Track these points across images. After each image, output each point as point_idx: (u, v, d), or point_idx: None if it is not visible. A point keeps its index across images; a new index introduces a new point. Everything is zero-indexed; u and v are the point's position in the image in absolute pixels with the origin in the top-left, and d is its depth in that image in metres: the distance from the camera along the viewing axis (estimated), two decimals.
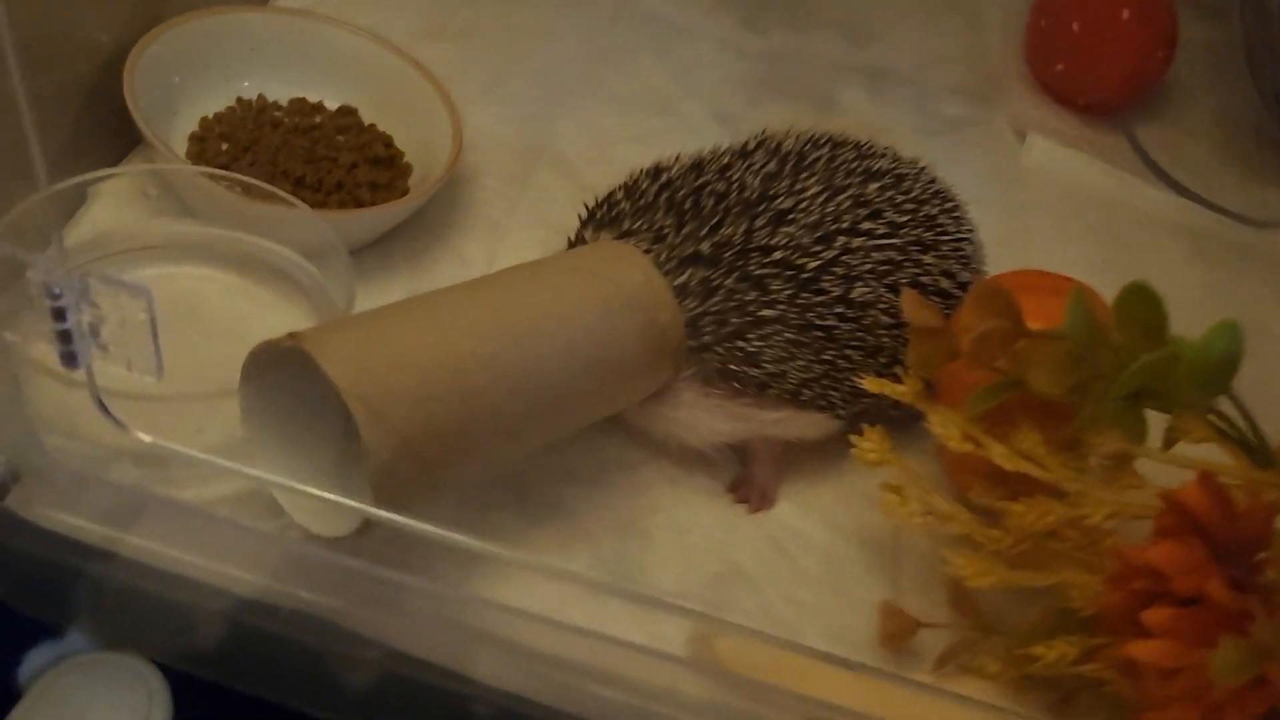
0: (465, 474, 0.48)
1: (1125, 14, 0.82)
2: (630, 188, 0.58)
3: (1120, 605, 0.45)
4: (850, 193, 0.56)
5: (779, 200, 0.55)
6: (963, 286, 0.59)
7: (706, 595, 0.53)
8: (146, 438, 0.43)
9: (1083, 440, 0.50)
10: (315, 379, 0.46)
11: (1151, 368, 0.45)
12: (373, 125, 0.68)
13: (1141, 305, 0.46)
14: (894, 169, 0.59)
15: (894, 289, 0.56)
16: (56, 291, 0.37)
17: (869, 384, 0.53)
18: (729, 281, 0.54)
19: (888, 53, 0.90)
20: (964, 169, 0.76)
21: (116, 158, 0.64)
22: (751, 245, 0.54)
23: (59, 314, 0.38)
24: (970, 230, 0.60)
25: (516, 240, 0.68)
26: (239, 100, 0.67)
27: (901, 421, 0.59)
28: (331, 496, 0.43)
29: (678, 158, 0.58)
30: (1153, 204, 0.81)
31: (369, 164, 0.65)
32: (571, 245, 0.58)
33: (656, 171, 0.58)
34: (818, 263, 0.54)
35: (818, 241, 0.55)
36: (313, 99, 0.68)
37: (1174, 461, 0.48)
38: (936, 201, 0.59)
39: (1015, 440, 0.50)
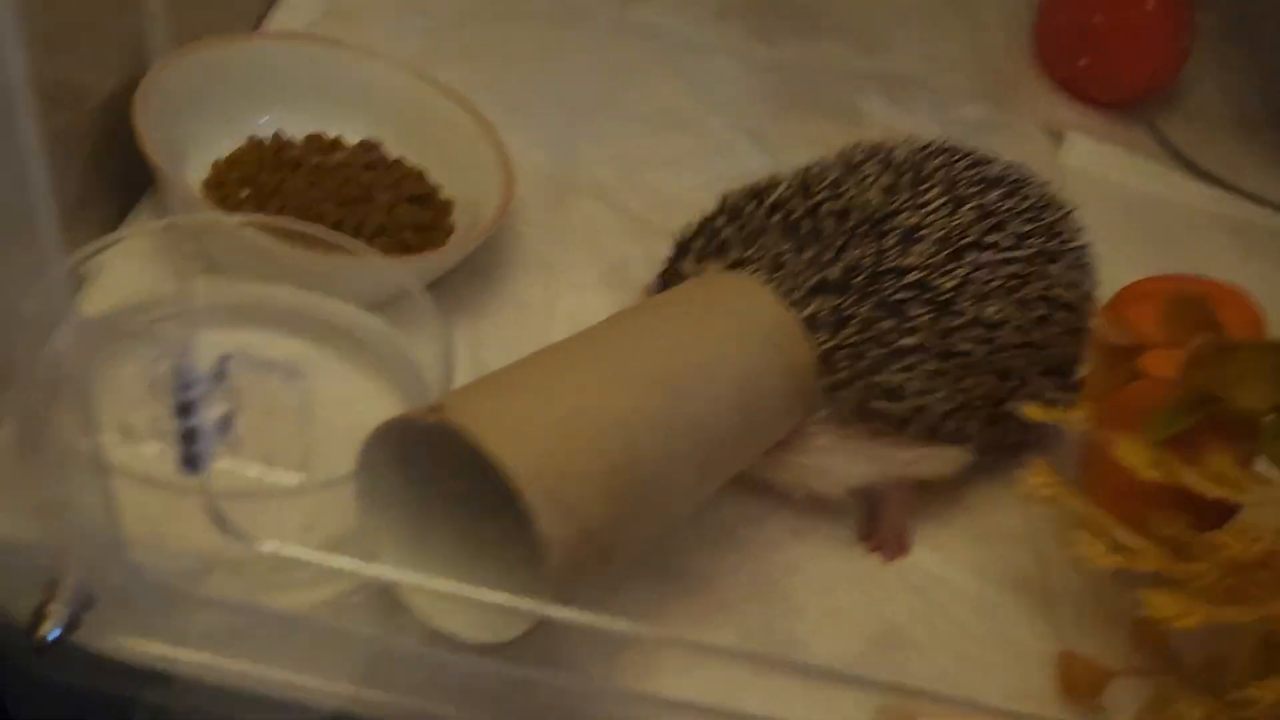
0: (629, 553, 0.42)
1: (1150, 4, 0.79)
2: (733, 212, 0.52)
3: None
4: (974, 203, 0.52)
5: (904, 215, 0.50)
6: (1086, 297, 0.55)
7: (871, 659, 0.48)
8: (271, 545, 0.36)
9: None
10: (447, 456, 0.39)
11: None
12: (399, 160, 0.61)
13: None
14: (1009, 175, 0.54)
15: (1023, 304, 0.51)
16: (191, 379, 0.30)
17: (1033, 413, 0.48)
18: (863, 310, 0.48)
19: (898, 59, 0.86)
20: None
21: (119, 214, 0.56)
22: (883, 267, 0.49)
23: (187, 408, 0.31)
24: (1085, 237, 0.56)
25: (574, 279, 0.61)
26: (251, 140, 0.59)
27: (1012, 450, 0.54)
28: (499, 597, 0.36)
29: (771, 178, 0.53)
30: (1194, 198, 0.79)
31: (408, 203, 0.59)
32: (665, 282, 0.52)
33: (759, 192, 0.52)
34: (955, 282, 0.49)
35: (949, 258, 0.50)
36: (330, 133, 0.61)
37: None
38: (1054, 208, 0.55)
39: (1204, 464, 0.46)
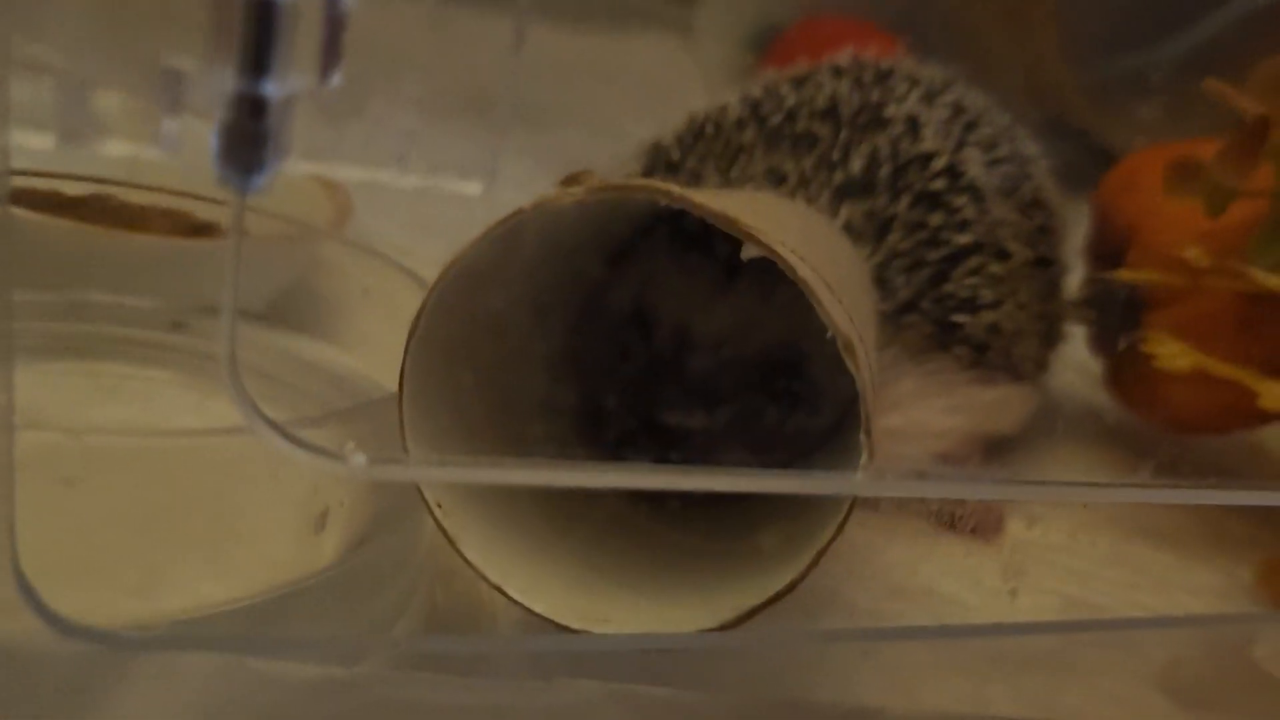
0: None
1: None
2: (686, 141, 0.41)
3: None
4: (944, 99, 0.44)
5: (891, 108, 0.41)
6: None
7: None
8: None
9: None
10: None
11: None
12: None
13: None
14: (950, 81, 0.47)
15: (1023, 211, 0.43)
16: None
17: (1128, 274, 0.40)
18: (902, 208, 0.38)
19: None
20: None
21: None
22: (904, 157, 0.39)
23: None
24: None
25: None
26: None
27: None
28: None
29: (716, 105, 0.43)
30: None
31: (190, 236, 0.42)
32: None
33: (707, 118, 0.41)
34: (978, 169, 0.41)
35: (958, 149, 0.41)
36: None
37: None
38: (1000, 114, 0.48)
39: None
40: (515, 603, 0.24)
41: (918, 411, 0.38)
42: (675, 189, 0.23)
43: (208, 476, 0.23)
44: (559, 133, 0.79)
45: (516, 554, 0.24)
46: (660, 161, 0.41)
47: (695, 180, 0.39)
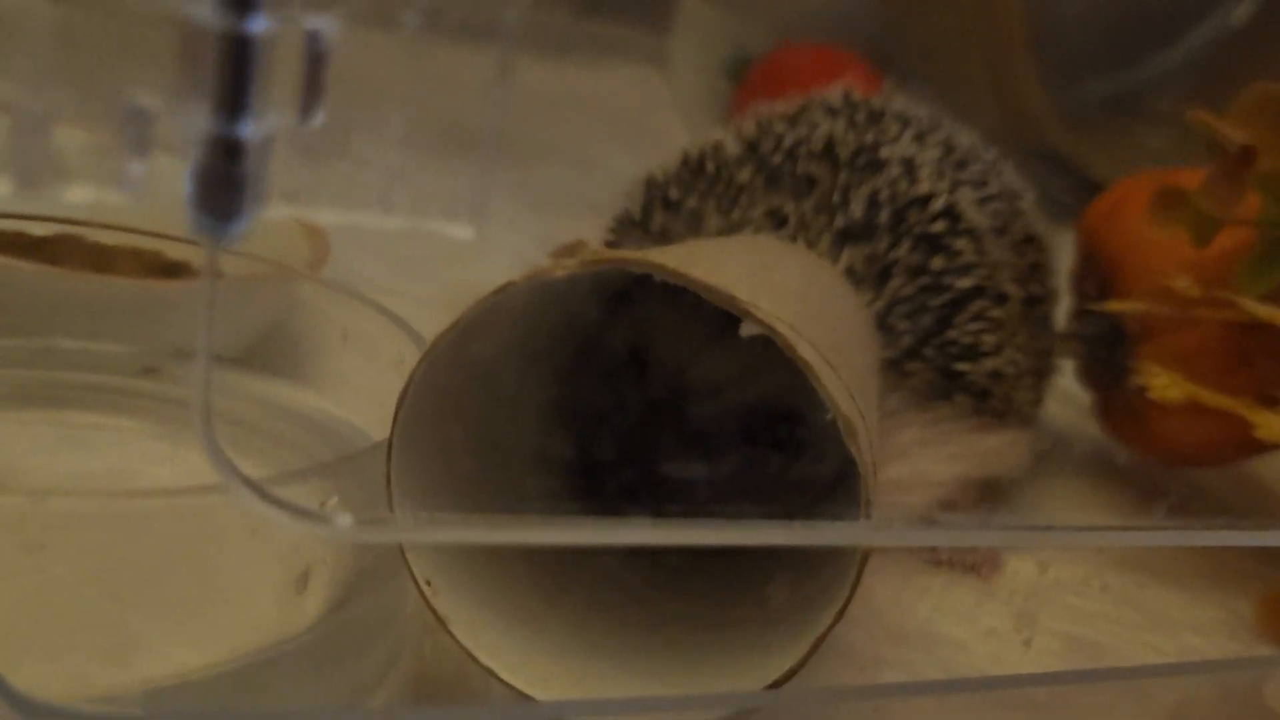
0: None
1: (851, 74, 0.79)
2: (684, 180, 0.40)
3: None
4: (936, 137, 0.43)
5: (886, 149, 0.41)
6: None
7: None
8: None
9: None
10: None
11: None
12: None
13: None
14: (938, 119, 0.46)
15: (1016, 248, 0.43)
16: None
17: (1116, 305, 0.39)
18: (903, 252, 0.38)
19: (613, 175, 0.79)
20: None
21: None
22: (902, 200, 0.39)
23: None
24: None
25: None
26: None
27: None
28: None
29: (711, 140, 0.42)
30: None
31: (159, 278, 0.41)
32: None
33: (704, 156, 0.40)
34: (975, 212, 0.40)
35: (952, 189, 0.41)
36: None
37: None
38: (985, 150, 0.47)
39: None
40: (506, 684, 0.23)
41: (920, 461, 0.37)
42: (670, 264, 0.22)
43: (181, 535, 0.22)
44: (542, 167, 0.78)
45: (506, 629, 0.23)
46: (657, 199, 0.40)
47: (696, 220, 0.38)
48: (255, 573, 0.23)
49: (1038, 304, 0.43)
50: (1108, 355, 0.45)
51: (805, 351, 0.21)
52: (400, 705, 0.25)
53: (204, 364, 0.18)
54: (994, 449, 0.39)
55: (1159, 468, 0.47)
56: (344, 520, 0.18)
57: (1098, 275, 0.47)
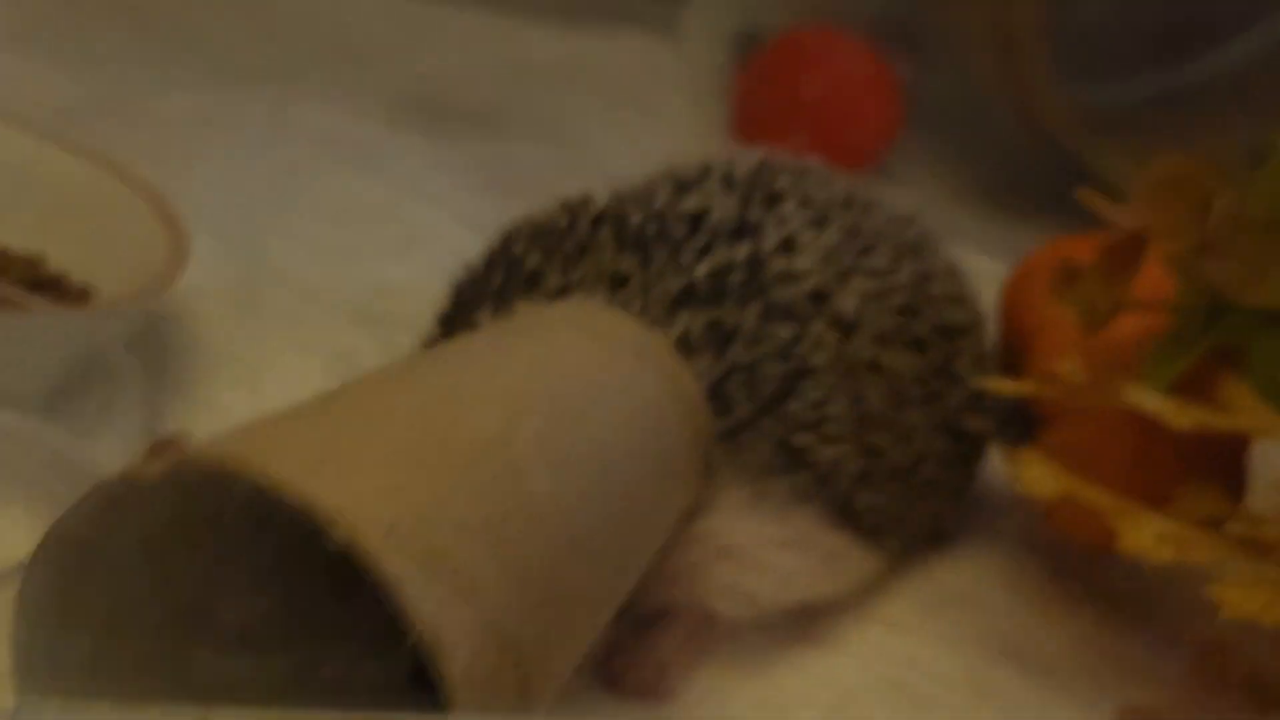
0: (557, 664, 0.25)
1: (860, 76, 0.75)
2: (537, 235, 0.38)
3: None
4: (837, 223, 0.40)
5: (769, 230, 0.38)
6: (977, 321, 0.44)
7: None
8: None
9: None
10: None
11: None
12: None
13: None
14: (857, 194, 0.43)
15: (919, 346, 0.40)
16: None
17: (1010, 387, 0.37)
18: (749, 317, 0.36)
19: (596, 154, 0.76)
20: None
21: None
22: (767, 266, 0.37)
23: None
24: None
25: (287, 371, 0.46)
26: None
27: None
28: None
29: (583, 195, 0.40)
30: None
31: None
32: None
33: (572, 209, 0.39)
34: (854, 302, 0.38)
35: (838, 279, 0.38)
36: None
37: None
38: (908, 221, 0.44)
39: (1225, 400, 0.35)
40: None
41: (747, 539, 0.35)
42: (271, 471, 0.20)
43: None
44: (518, 144, 0.76)
45: None
46: (500, 255, 0.38)
47: (535, 281, 0.36)
48: None
49: (936, 400, 0.40)
50: (1017, 439, 0.42)
51: (395, 566, 0.20)
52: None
53: None
54: (831, 553, 0.37)
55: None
56: None
57: (1014, 350, 0.44)
